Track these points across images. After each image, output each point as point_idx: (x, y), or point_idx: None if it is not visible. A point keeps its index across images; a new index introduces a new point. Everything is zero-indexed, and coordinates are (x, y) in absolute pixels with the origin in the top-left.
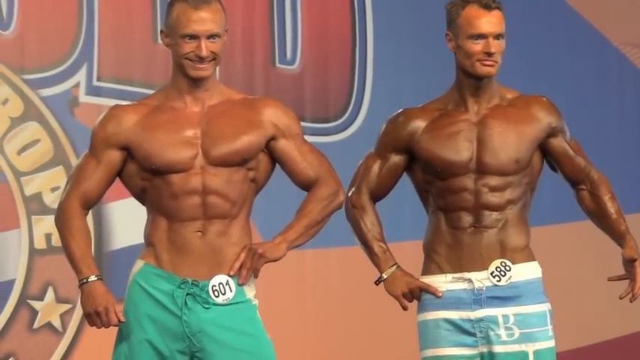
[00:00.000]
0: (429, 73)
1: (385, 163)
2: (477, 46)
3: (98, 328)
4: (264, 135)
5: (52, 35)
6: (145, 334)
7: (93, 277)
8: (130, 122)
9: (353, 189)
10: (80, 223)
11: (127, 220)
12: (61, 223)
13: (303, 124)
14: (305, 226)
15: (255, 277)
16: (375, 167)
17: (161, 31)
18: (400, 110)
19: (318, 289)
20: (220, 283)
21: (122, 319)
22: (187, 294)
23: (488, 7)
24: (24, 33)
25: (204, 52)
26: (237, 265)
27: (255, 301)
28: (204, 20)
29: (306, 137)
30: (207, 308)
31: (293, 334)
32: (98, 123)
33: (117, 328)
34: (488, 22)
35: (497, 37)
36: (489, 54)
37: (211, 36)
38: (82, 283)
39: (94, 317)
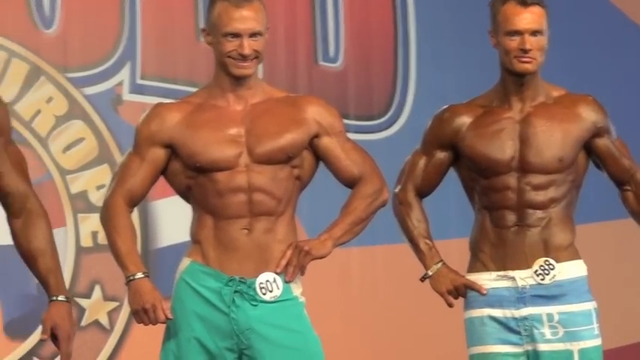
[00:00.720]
0: (472, 70)
1: (431, 159)
2: (514, 43)
3: (145, 325)
4: (307, 133)
5: (95, 33)
6: (192, 331)
7: (140, 275)
8: (173, 120)
9: (399, 186)
10: (125, 220)
11: (172, 217)
12: (107, 220)
13: (346, 121)
14: (350, 224)
15: (302, 274)
16: (421, 164)
17: (203, 30)
18: (446, 106)
19: (363, 286)
20: (267, 281)
21: (170, 316)
22: (235, 291)
23: (525, 4)
24: (67, 31)
25: (247, 51)
26: (283, 262)
27: (302, 299)
28: (246, 18)
29: (350, 135)
30: (255, 306)
31: (339, 331)
32: (142, 121)
33: (164, 325)
34: (525, 18)
35: (535, 33)
36: (525, 50)
37: (253, 34)
38: (129, 281)
39: (141, 314)
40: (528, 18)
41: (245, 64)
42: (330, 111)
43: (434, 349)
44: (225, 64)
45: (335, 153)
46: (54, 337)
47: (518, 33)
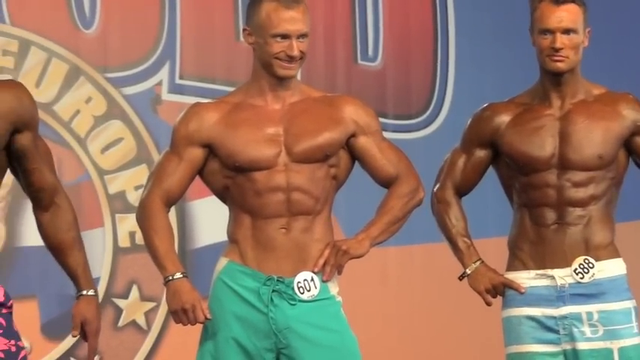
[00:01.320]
0: (511, 69)
1: (470, 157)
2: (545, 41)
3: (184, 325)
4: (344, 132)
5: (135, 33)
6: (230, 331)
7: (178, 275)
8: (211, 120)
9: (438, 184)
10: (163, 220)
11: (209, 218)
12: (144, 220)
13: (384, 120)
14: (387, 223)
15: (339, 273)
16: (460, 162)
17: (244, 29)
18: (485, 105)
19: (401, 286)
20: (305, 280)
21: (209, 316)
22: (273, 291)
23: (558, 2)
24: (107, 31)
25: (295, 52)
26: (321, 261)
27: (339, 298)
28: (295, 20)
29: (388, 134)
30: (294, 305)
31: (377, 331)
32: (179, 120)
33: (201, 325)
34: (557, 17)
35: (567, 32)
36: (556, 49)
37: (301, 35)
38: (168, 281)
39: (180, 315)
40: (561, 16)
41: (291, 65)
42: (366, 110)
43: (472, 348)
44: (270, 65)
45: (371, 152)
46: (82, 332)
47: (550, 32)
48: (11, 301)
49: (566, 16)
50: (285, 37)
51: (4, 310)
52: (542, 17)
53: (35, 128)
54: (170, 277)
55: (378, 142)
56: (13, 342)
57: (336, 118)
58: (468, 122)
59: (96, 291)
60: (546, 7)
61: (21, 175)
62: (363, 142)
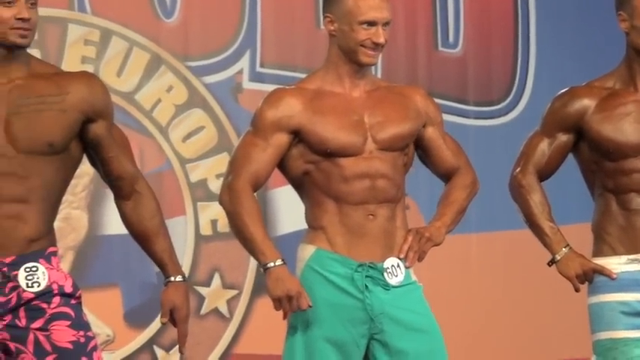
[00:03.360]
0: (593, 54)
1: (553, 142)
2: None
3: (285, 312)
4: (420, 122)
5: (215, 22)
6: (322, 325)
7: (279, 261)
8: (299, 106)
9: (519, 168)
10: (256, 205)
11: (289, 206)
12: (235, 205)
13: (466, 107)
14: (456, 213)
15: (420, 260)
16: (542, 146)
17: (326, 16)
18: (566, 89)
19: (483, 273)
20: (392, 266)
21: (310, 303)
22: (366, 277)
23: None
24: (187, 21)
25: (382, 39)
26: (405, 247)
27: (420, 284)
28: (382, 7)
29: (470, 121)
30: (388, 290)
31: (459, 317)
32: (265, 106)
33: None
34: None
35: None
36: None
37: (386, 23)
38: (268, 268)
39: (284, 302)
40: None
41: (375, 52)
42: (433, 101)
43: (555, 334)
44: (355, 52)
45: (438, 143)
46: (171, 319)
47: None
48: (80, 292)
49: None
50: (372, 24)
51: (72, 301)
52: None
53: (110, 117)
54: (272, 264)
55: (442, 133)
56: (82, 333)
57: (413, 108)
58: (549, 106)
59: (184, 277)
60: None
61: (99, 165)
62: (431, 132)
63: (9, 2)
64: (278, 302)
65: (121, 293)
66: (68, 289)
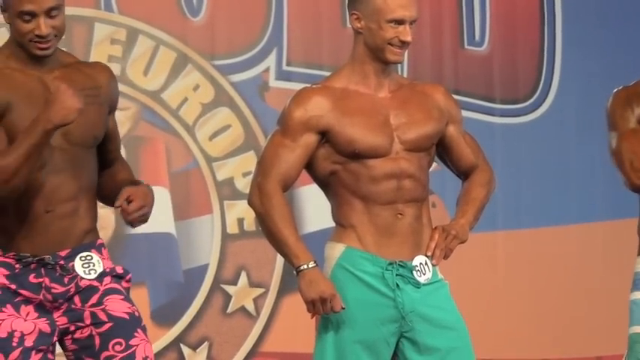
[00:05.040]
0: (618, 52)
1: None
2: None
3: (319, 314)
4: (443, 121)
5: (242, 21)
6: (354, 327)
7: (312, 264)
8: (328, 106)
9: (627, 165)
10: (287, 206)
11: (316, 204)
12: (267, 207)
13: (492, 105)
14: (478, 210)
15: (446, 257)
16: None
17: (352, 14)
18: (620, 88)
19: (509, 271)
20: (421, 263)
21: (344, 305)
22: (396, 275)
23: None
24: (214, 19)
25: (410, 38)
26: (432, 245)
27: (447, 281)
28: (410, 6)
29: (496, 119)
30: (418, 288)
31: (485, 315)
32: (293, 106)
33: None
34: None
35: None
36: None
37: (413, 21)
38: (301, 270)
39: (318, 304)
40: None
41: (402, 50)
42: (453, 99)
43: (582, 332)
44: (382, 50)
45: (459, 141)
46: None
47: None
48: (129, 276)
49: None
50: (400, 22)
51: (124, 284)
52: None
53: (116, 109)
54: (305, 267)
55: (462, 131)
56: (135, 308)
57: (437, 107)
58: (610, 102)
59: (147, 185)
60: None
61: (99, 152)
62: (452, 130)
63: (28, 19)
64: (311, 305)
65: (148, 292)
66: (119, 270)
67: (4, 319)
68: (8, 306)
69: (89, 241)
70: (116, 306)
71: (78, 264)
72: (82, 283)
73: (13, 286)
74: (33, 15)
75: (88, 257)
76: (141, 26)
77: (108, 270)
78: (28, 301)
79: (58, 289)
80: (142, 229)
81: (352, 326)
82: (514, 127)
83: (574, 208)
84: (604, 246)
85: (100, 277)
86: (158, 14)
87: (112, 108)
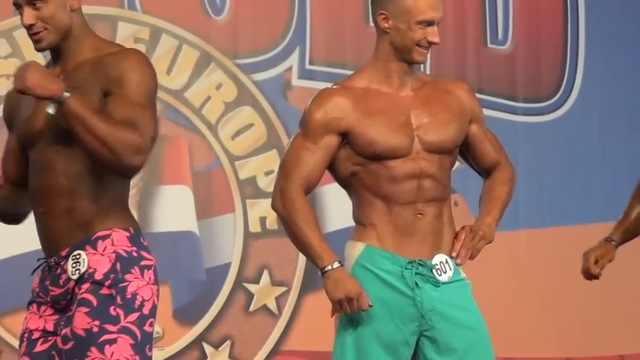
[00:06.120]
0: None
1: None
2: None
3: (346, 314)
4: (466, 120)
5: (265, 20)
6: (373, 324)
7: (337, 264)
8: (349, 107)
9: None
10: (310, 209)
11: (337, 203)
12: (290, 210)
13: (515, 104)
14: (502, 208)
15: (472, 258)
16: None
17: (380, 13)
18: None
19: (532, 270)
20: (441, 262)
21: (371, 303)
22: (416, 274)
23: None
24: (237, 18)
25: (438, 39)
26: (458, 245)
27: (469, 281)
28: (438, 7)
29: (519, 117)
30: (437, 287)
31: (507, 313)
32: (314, 107)
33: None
34: None
35: None
36: None
37: (439, 22)
38: (327, 271)
39: (345, 303)
40: None
41: (427, 51)
42: (476, 97)
43: (603, 331)
44: (409, 51)
45: (482, 139)
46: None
47: None
48: (109, 281)
49: None
50: (429, 23)
51: (103, 291)
52: None
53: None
54: (330, 267)
55: (484, 128)
56: (97, 322)
57: (459, 106)
58: None
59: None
60: None
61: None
62: (475, 128)
63: (19, 12)
64: (338, 304)
65: (170, 290)
66: (98, 276)
67: (25, 317)
68: (34, 305)
69: (85, 236)
70: (78, 321)
71: (69, 264)
72: (71, 284)
73: (37, 289)
74: (18, 6)
75: (77, 256)
76: (164, 25)
77: (87, 275)
78: (46, 302)
79: (55, 291)
80: (164, 227)
81: (372, 323)
82: (537, 126)
83: (597, 207)
84: (628, 244)
85: (80, 283)
86: (181, 13)
87: (106, 91)
